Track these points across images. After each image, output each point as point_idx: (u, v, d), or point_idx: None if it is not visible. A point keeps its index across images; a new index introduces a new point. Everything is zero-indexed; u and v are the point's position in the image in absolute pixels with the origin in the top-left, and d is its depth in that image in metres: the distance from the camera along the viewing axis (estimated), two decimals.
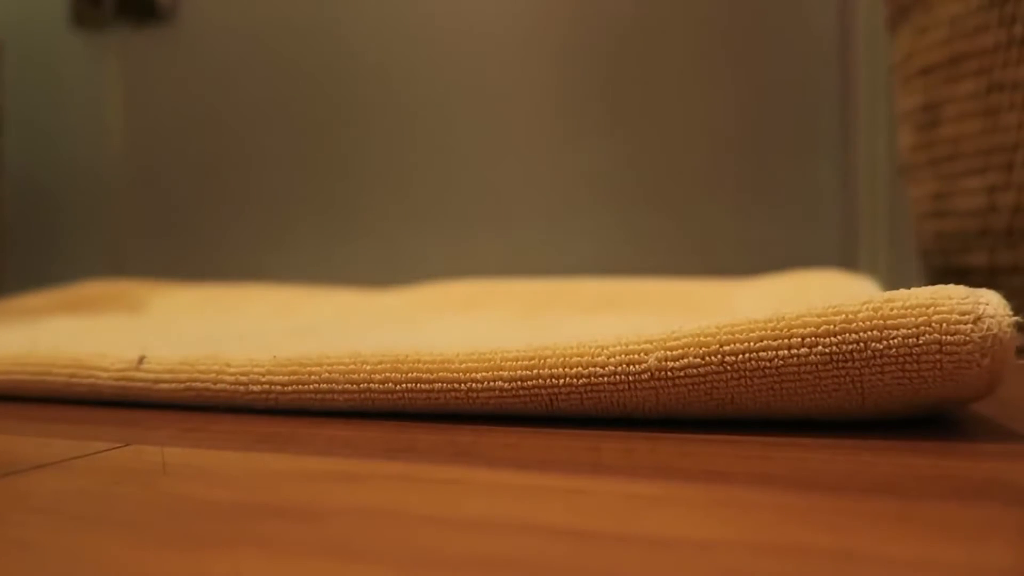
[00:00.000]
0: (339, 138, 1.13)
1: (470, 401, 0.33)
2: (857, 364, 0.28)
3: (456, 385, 0.33)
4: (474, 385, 0.33)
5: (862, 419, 0.30)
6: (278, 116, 1.16)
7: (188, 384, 0.38)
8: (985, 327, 0.27)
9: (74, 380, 0.40)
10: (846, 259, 0.93)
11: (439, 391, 0.33)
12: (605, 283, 0.74)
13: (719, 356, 0.30)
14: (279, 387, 0.36)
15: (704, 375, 0.30)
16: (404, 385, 0.34)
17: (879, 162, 0.93)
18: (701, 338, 0.30)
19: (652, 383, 0.30)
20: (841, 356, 0.28)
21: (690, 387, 0.30)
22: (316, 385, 0.35)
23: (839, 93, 0.94)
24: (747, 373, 0.29)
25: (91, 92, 1.25)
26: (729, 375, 0.29)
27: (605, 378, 0.31)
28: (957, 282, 0.29)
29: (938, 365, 0.27)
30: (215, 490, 0.24)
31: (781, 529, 0.19)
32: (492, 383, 0.33)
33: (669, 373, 0.30)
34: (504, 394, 0.32)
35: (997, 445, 0.28)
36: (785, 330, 0.29)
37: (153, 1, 1.20)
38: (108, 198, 1.25)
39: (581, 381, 0.31)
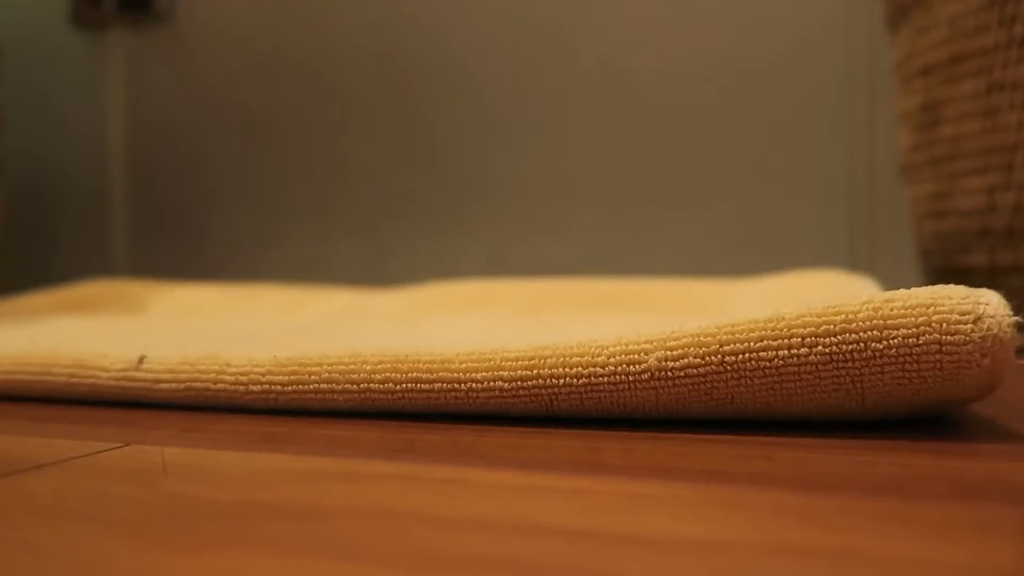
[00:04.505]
0: (339, 138, 1.13)
1: (470, 401, 0.33)
2: (857, 364, 0.28)
3: (456, 385, 0.33)
4: (474, 385, 0.33)
5: (862, 419, 0.30)
6: (277, 116, 1.16)
7: (188, 384, 0.38)
8: (985, 327, 0.27)
9: (74, 380, 0.40)
10: (847, 259, 0.93)
11: (439, 391, 0.33)
12: (605, 283, 0.73)
13: (719, 356, 0.30)
14: (279, 387, 0.36)
15: (704, 375, 0.30)
16: (404, 385, 0.34)
17: (879, 162, 0.92)
18: (701, 338, 0.30)
19: (652, 383, 0.30)
20: (841, 356, 0.28)
21: (690, 387, 0.30)
22: (316, 385, 0.35)
23: (843, 92, 0.94)
24: (747, 373, 0.29)
25: (91, 92, 1.25)
26: (729, 375, 0.29)
27: (605, 378, 0.31)
28: (957, 282, 0.29)
29: (938, 365, 0.27)
30: (215, 490, 0.24)
31: (781, 529, 0.19)
32: (492, 383, 0.33)
33: (669, 373, 0.30)
34: (504, 394, 0.32)
35: (997, 445, 0.28)
36: (785, 330, 0.29)
37: (152, 1, 1.20)
38: (108, 198, 1.25)
39: (581, 381, 0.31)
